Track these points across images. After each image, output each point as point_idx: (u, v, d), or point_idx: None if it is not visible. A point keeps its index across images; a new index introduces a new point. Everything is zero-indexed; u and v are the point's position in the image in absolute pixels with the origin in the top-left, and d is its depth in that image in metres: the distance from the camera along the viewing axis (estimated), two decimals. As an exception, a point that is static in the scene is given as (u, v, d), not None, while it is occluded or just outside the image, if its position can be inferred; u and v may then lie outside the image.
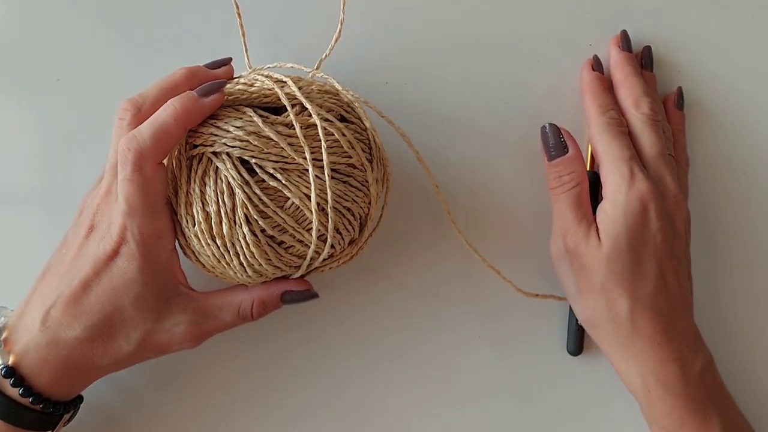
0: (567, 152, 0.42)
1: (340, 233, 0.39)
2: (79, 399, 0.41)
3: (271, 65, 0.42)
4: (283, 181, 0.36)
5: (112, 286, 0.37)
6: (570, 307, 0.46)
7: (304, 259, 0.38)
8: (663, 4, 0.47)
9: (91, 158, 0.46)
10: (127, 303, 0.37)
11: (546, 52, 0.47)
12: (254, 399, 0.45)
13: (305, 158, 0.36)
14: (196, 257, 0.39)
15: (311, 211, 0.37)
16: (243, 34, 0.43)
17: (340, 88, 0.39)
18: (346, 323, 0.46)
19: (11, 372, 0.37)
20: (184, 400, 0.45)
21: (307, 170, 0.37)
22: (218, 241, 0.37)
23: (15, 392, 0.37)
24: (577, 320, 0.45)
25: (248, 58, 0.43)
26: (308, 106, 0.37)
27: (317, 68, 0.42)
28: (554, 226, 0.43)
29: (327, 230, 0.37)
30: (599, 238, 0.40)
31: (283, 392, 0.45)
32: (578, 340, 0.45)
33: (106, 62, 0.46)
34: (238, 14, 0.43)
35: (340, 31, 0.42)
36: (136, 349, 0.38)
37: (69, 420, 0.41)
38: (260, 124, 0.36)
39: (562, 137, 0.42)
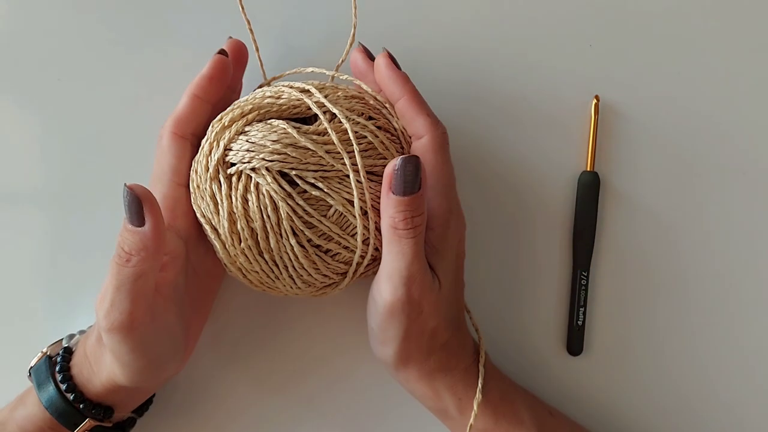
0: (419, 190, 0.35)
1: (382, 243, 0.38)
2: (130, 421, 0.42)
3: (290, 72, 0.42)
4: (325, 189, 0.37)
5: None
6: (570, 307, 0.46)
7: (350, 265, 0.38)
8: (663, 6, 0.47)
9: (91, 158, 0.46)
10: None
11: (546, 53, 0.47)
12: (259, 413, 0.46)
13: (344, 164, 0.37)
14: (244, 274, 0.38)
15: (355, 215, 0.37)
16: (257, 50, 0.42)
17: (368, 89, 0.39)
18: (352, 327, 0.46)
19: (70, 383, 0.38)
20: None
21: (347, 176, 0.37)
22: (266, 256, 0.37)
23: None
24: (577, 320, 0.45)
25: (264, 72, 0.43)
26: (336, 111, 0.37)
27: (336, 71, 0.41)
28: (388, 272, 0.36)
29: (369, 232, 0.37)
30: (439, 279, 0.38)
31: (291, 409, 0.46)
32: (578, 340, 0.46)
33: (108, 63, 0.46)
34: (250, 30, 0.42)
35: (353, 35, 0.42)
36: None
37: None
38: (296, 135, 0.36)
39: (420, 173, 0.35)
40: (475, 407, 0.39)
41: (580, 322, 0.45)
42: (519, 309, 0.46)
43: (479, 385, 0.39)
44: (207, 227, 0.38)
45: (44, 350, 0.41)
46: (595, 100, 0.46)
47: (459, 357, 0.40)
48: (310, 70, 0.41)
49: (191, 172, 0.39)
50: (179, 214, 0.38)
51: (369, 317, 0.39)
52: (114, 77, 0.46)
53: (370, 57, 0.40)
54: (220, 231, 0.37)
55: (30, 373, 0.40)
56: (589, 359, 0.46)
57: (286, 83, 0.39)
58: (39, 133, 0.46)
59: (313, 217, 0.37)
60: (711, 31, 0.47)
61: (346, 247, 0.38)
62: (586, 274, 0.45)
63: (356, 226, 0.37)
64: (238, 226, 0.37)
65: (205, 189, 0.37)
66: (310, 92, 0.38)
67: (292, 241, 0.36)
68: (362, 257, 0.38)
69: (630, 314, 0.46)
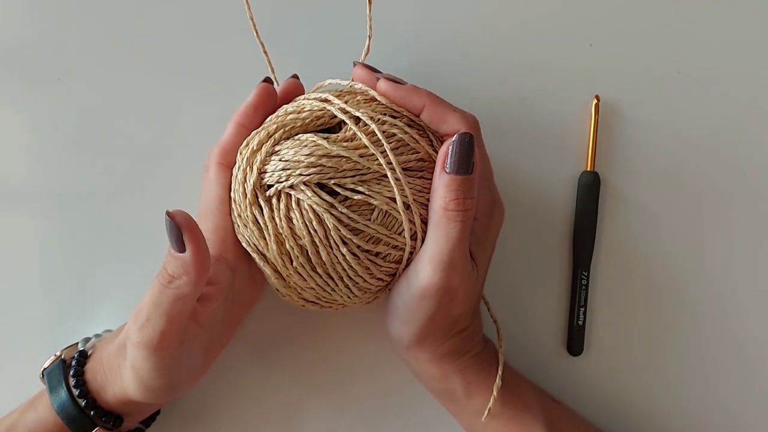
0: (472, 173, 0.36)
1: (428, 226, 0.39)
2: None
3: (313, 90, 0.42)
4: (366, 192, 0.36)
5: None
6: (570, 307, 0.46)
7: (401, 263, 0.38)
8: (663, 6, 0.47)
9: (90, 158, 0.46)
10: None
11: (546, 53, 0.47)
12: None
13: (379, 164, 0.36)
14: (299, 293, 0.38)
15: (399, 212, 0.37)
16: (273, 71, 0.43)
17: (384, 100, 0.39)
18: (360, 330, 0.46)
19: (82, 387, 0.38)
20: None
21: (384, 175, 0.37)
22: (320, 270, 0.37)
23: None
24: (577, 320, 0.45)
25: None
26: (359, 114, 0.37)
27: (353, 80, 0.41)
28: (429, 255, 0.36)
29: (416, 226, 0.37)
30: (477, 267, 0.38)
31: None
32: (578, 340, 0.46)
33: (108, 63, 0.46)
34: (265, 52, 0.42)
35: (368, 47, 0.41)
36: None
37: None
38: (327, 145, 0.36)
39: (474, 154, 0.36)
40: (494, 392, 0.39)
41: (580, 322, 0.45)
42: (519, 309, 0.46)
43: (499, 371, 0.40)
44: (255, 255, 0.38)
45: (58, 353, 0.40)
46: (595, 100, 0.46)
47: (472, 343, 0.40)
48: (327, 82, 0.41)
49: (231, 202, 0.38)
50: (230, 245, 0.38)
51: (395, 294, 0.39)
52: (114, 77, 0.46)
53: (372, 69, 0.40)
54: (269, 255, 0.37)
55: (43, 375, 0.40)
56: (589, 359, 0.46)
57: (303, 96, 0.39)
58: (39, 133, 0.46)
59: (358, 222, 0.36)
60: (711, 31, 0.47)
61: (395, 246, 0.38)
62: (586, 274, 0.45)
63: (402, 224, 0.37)
64: (287, 246, 0.37)
65: (247, 216, 0.37)
66: (330, 101, 0.38)
67: (343, 250, 0.36)
68: (411, 253, 0.38)
69: (630, 314, 0.46)
